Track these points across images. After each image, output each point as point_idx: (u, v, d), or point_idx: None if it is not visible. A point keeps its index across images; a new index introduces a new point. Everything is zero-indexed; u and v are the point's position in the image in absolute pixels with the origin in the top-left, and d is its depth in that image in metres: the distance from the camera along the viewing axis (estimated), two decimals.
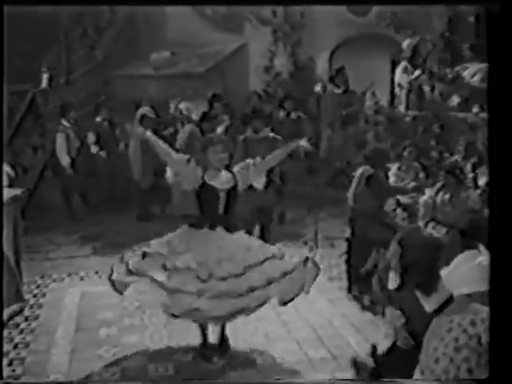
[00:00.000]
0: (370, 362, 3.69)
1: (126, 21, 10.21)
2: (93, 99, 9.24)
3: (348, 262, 6.56)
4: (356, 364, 3.74)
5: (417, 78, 8.84)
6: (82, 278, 6.66)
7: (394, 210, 6.84)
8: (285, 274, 4.45)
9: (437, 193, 5.96)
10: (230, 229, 4.62)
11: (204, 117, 9.12)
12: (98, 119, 8.82)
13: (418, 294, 3.15)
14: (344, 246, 7.07)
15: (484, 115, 8.30)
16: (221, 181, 4.63)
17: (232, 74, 10.70)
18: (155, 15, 10.68)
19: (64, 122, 8.32)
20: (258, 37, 11.04)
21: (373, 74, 12.10)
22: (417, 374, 2.61)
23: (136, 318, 5.58)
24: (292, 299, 4.54)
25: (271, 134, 5.49)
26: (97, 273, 6.79)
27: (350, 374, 4.12)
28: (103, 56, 9.28)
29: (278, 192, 7.59)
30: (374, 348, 3.72)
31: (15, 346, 4.99)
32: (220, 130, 9.37)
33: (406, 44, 8.66)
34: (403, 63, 8.65)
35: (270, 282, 4.40)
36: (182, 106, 9.38)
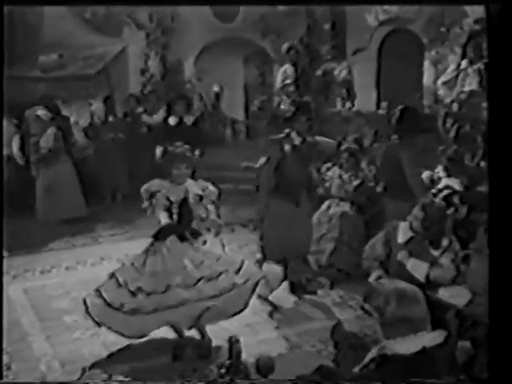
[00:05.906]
0: None
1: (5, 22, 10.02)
2: None
3: None
4: None
5: (287, 85, 9.80)
6: (14, 277, 6.77)
7: None
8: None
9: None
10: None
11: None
12: None
13: None
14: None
15: (355, 109, 9.66)
16: None
17: (116, 76, 10.99)
18: (32, 16, 10.62)
19: None
20: (134, 40, 11.42)
21: (235, 76, 13.14)
22: None
23: None
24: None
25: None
26: (27, 271, 6.96)
27: None
28: None
29: None
30: None
31: None
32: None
33: (285, 47, 9.59)
34: (286, 66, 9.58)
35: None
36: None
